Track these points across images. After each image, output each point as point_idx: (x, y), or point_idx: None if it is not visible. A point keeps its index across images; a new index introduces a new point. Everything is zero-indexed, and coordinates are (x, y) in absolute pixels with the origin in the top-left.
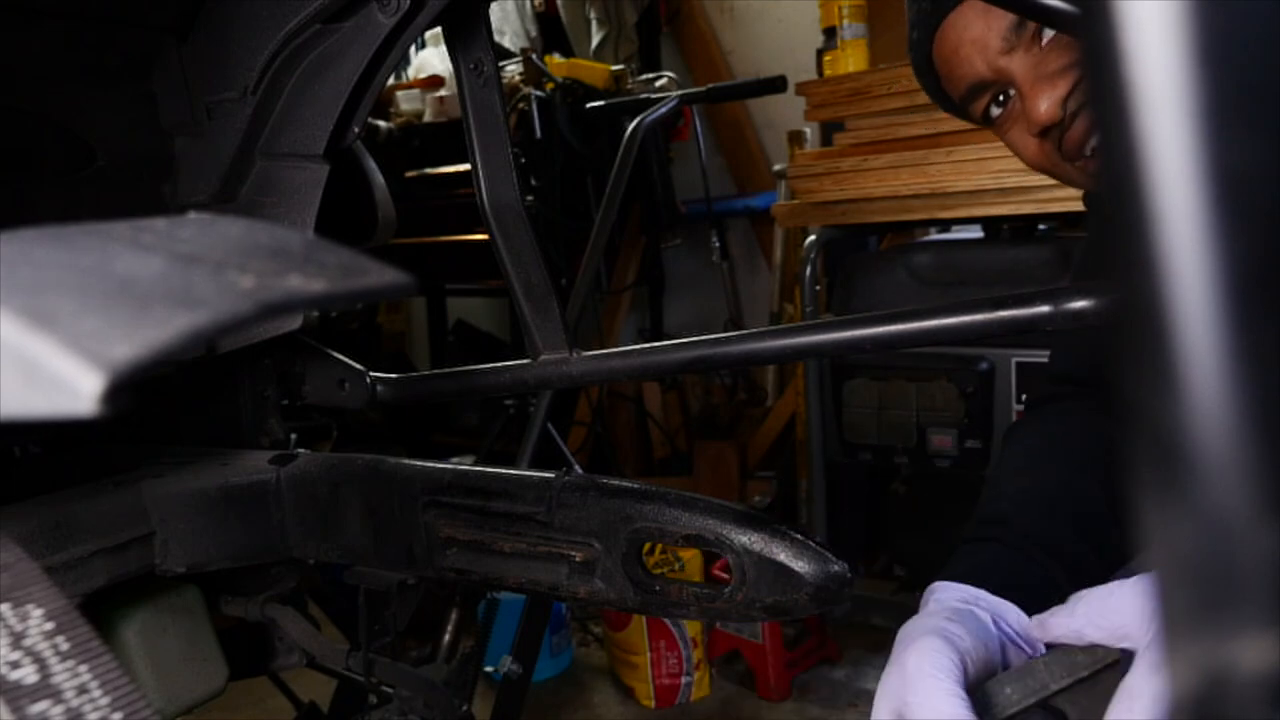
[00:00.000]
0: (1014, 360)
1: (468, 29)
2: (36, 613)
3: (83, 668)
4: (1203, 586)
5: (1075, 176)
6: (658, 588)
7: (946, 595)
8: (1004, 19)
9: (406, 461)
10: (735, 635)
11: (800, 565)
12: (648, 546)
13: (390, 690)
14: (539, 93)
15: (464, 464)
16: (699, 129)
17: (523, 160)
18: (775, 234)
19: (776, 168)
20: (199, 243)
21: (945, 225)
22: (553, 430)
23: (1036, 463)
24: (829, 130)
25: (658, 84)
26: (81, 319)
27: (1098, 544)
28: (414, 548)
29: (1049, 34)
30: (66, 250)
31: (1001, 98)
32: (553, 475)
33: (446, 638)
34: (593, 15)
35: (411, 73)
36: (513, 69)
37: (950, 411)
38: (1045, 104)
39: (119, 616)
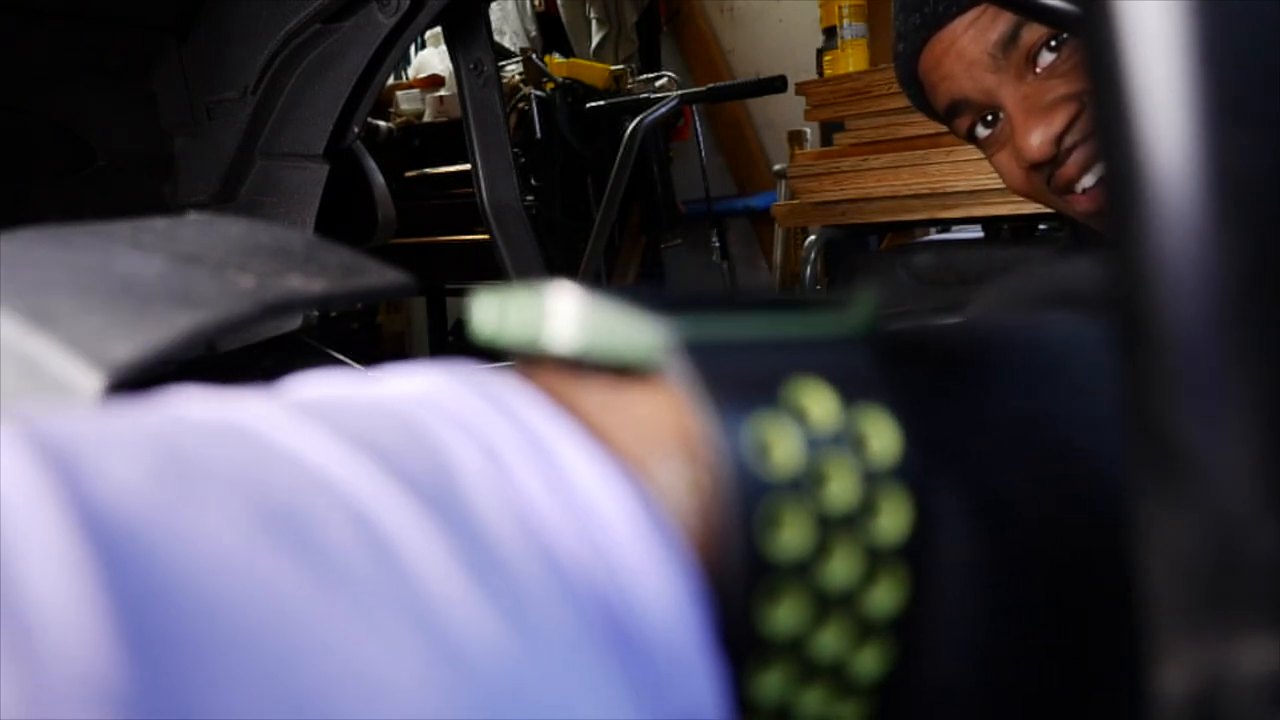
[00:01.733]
0: None
1: (468, 29)
2: None
3: None
4: (1203, 586)
5: (1060, 206)
6: None
7: None
8: (992, 33)
9: None
10: None
11: None
12: None
13: None
14: (539, 93)
15: None
16: (699, 129)
17: (523, 160)
18: (775, 234)
19: (776, 168)
20: (199, 243)
21: (945, 225)
22: None
23: None
24: (829, 130)
25: (658, 84)
26: (82, 319)
27: None
28: None
29: (1044, 61)
30: (67, 250)
31: (990, 118)
32: None
33: None
34: (593, 15)
35: (411, 73)
36: (513, 69)
37: None
38: (1037, 140)
39: None
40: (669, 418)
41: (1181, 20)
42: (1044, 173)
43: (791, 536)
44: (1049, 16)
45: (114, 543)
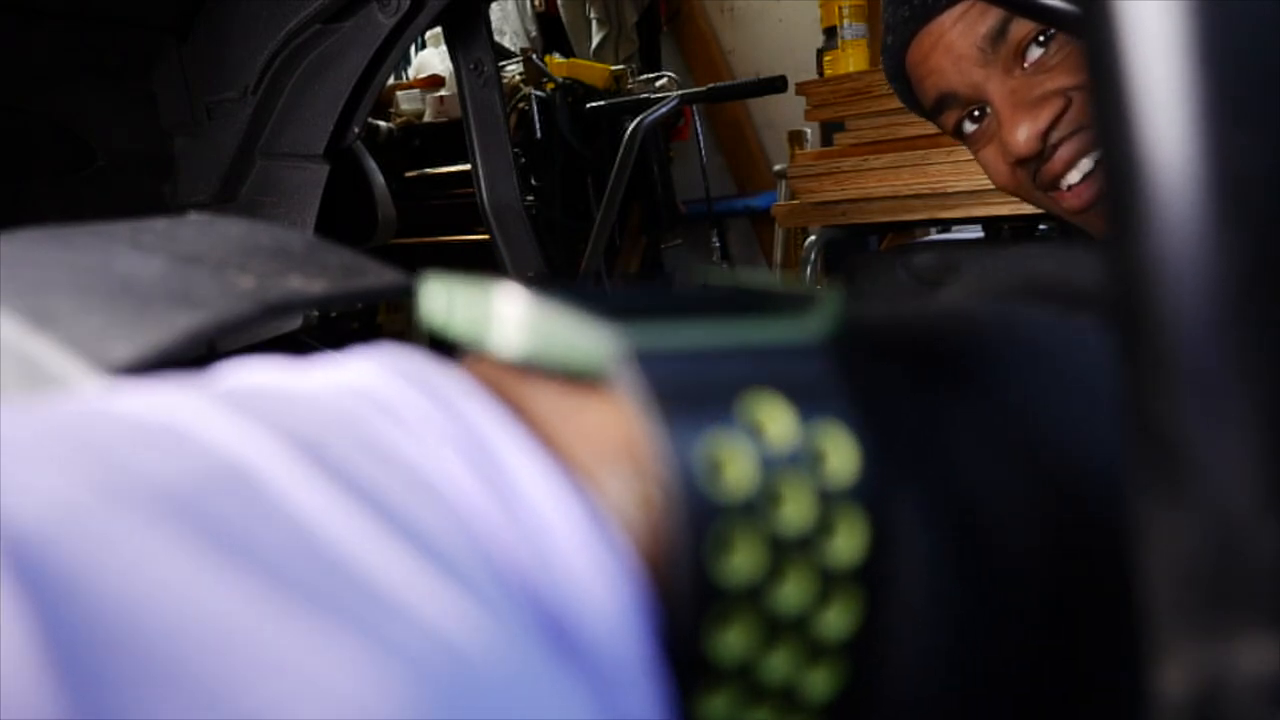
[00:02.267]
0: None
1: (468, 29)
2: None
3: None
4: (1203, 586)
5: (1046, 204)
6: None
7: None
8: (981, 26)
9: None
10: None
11: None
12: None
13: None
14: (539, 93)
15: None
16: (699, 129)
17: (523, 160)
18: (775, 234)
19: (776, 168)
20: (199, 243)
21: (945, 225)
22: None
23: None
24: (829, 130)
25: (658, 84)
26: (82, 319)
27: None
28: None
29: (1032, 56)
30: (67, 250)
31: (977, 113)
32: None
33: None
34: (593, 15)
35: (411, 73)
36: (513, 69)
37: None
38: (1024, 135)
39: None
40: (619, 430)
41: (1181, 20)
42: (1030, 168)
43: (742, 561)
44: (1048, 16)
45: (42, 573)
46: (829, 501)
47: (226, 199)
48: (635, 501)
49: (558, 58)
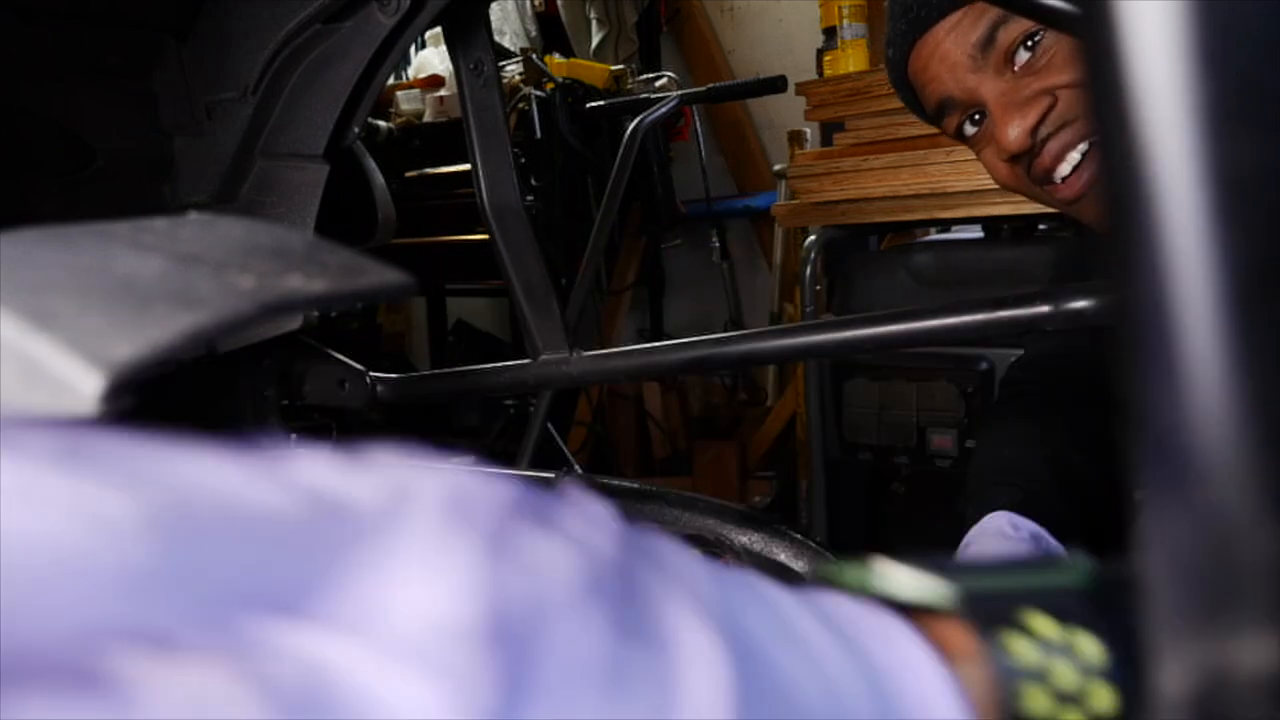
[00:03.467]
0: (1014, 360)
1: (468, 29)
2: None
3: None
4: (1203, 586)
5: (1045, 198)
6: None
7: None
8: (972, 35)
9: None
10: None
11: (800, 565)
12: None
13: None
14: (539, 93)
15: (464, 465)
16: (699, 129)
17: (523, 160)
18: (775, 234)
19: (776, 168)
20: (199, 243)
21: (945, 225)
22: (553, 430)
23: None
24: (829, 130)
25: (658, 84)
26: (82, 319)
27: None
28: None
29: (1021, 59)
30: (67, 250)
31: (977, 116)
32: (553, 475)
33: None
34: (593, 15)
35: (411, 73)
36: (513, 69)
37: (950, 411)
38: (1014, 132)
39: None
40: (961, 638)
41: (1181, 20)
42: (1023, 164)
43: (1034, 703)
44: (1049, 16)
45: None
46: (1087, 673)
47: (226, 199)
48: (976, 679)
49: (558, 58)
